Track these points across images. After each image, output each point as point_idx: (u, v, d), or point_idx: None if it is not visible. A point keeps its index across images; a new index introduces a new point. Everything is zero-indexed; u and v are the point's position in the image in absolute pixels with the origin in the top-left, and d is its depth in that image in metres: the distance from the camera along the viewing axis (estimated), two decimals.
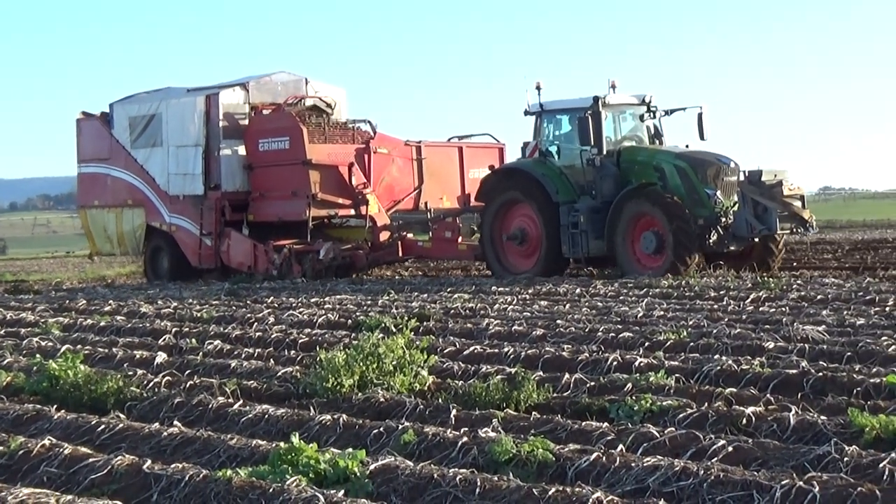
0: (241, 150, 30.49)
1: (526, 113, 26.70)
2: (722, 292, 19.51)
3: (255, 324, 18.04)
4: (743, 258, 24.69)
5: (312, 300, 21.85)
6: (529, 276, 25.09)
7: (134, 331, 17.98)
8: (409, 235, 30.64)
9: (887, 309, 16.36)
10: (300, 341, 15.47)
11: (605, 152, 25.21)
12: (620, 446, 8.42)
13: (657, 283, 21.92)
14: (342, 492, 7.36)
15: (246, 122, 30.67)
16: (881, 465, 7.37)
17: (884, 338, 13.08)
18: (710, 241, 23.79)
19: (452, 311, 18.61)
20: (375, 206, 29.90)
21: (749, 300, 18.13)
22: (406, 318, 16.19)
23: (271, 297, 22.97)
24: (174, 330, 17.46)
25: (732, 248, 24.20)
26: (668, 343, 13.45)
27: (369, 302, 20.96)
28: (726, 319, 15.68)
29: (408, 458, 8.18)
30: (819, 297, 18.12)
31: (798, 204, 24.04)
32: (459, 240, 29.42)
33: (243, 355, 14.48)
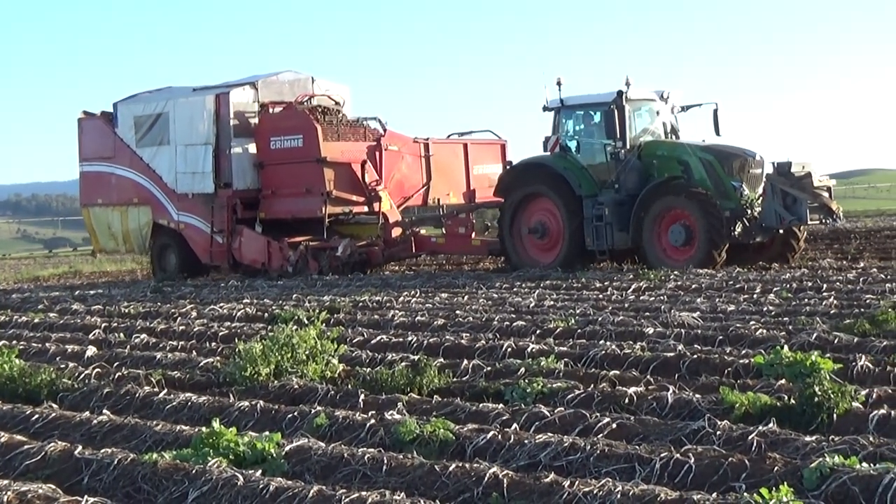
0: (252, 149, 28.76)
1: (545, 109, 25.35)
2: (606, 283, 19.66)
3: (179, 318, 17.90)
4: (762, 250, 23.72)
5: (232, 296, 21.71)
6: (541, 271, 23.76)
7: (66, 327, 17.72)
8: (422, 231, 29.36)
9: (755, 296, 16.59)
10: (220, 334, 15.36)
11: (628, 146, 23.98)
12: (515, 425, 8.46)
13: (547, 275, 22.01)
14: (260, 471, 7.33)
15: (256, 120, 28.93)
16: (750, 438, 7.49)
17: (752, 322, 13.29)
18: (736, 232, 22.66)
19: (361, 304, 18.56)
20: (388, 202, 28.52)
21: (631, 290, 18.28)
22: (318, 311, 16.18)
23: (194, 294, 22.79)
24: (103, 325, 17.25)
25: (759, 238, 23.02)
26: (558, 330, 13.53)
27: (284, 297, 20.86)
28: (610, 308, 15.81)
29: (320, 440, 8.15)
30: (693, 286, 18.34)
31: (826, 195, 22.66)
32: (473, 235, 28.14)
33: (168, 348, 14.35)
